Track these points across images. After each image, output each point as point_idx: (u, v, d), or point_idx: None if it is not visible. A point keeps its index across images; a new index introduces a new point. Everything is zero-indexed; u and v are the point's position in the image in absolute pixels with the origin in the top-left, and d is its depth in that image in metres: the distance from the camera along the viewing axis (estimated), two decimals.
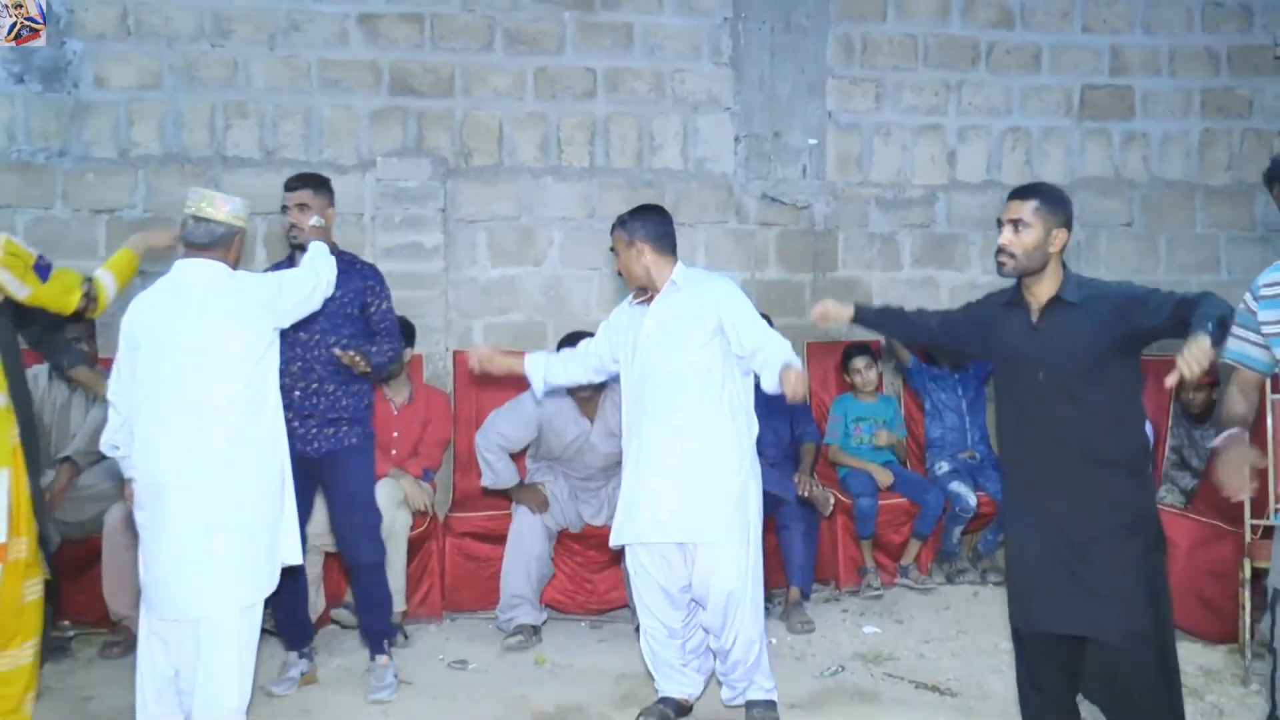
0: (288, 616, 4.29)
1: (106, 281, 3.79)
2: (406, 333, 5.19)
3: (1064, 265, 3.34)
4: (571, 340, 5.23)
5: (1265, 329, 3.07)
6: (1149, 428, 5.54)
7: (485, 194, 6.06)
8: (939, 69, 6.40)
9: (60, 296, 3.65)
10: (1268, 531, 4.42)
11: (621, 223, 4.05)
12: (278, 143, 5.93)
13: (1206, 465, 5.43)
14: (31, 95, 5.69)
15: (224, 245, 3.52)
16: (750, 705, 3.92)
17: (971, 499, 5.54)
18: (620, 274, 4.11)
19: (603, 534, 5.04)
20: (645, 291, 3.99)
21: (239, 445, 3.39)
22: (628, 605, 5.13)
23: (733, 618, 3.82)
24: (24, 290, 3.55)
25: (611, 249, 4.10)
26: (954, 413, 5.90)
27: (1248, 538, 4.42)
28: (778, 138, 6.25)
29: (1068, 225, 3.29)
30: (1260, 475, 4.39)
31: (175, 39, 5.82)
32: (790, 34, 6.21)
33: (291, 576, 3.86)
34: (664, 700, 4.00)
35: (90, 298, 3.71)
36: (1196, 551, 4.78)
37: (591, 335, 5.30)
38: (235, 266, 3.57)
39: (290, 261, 4.25)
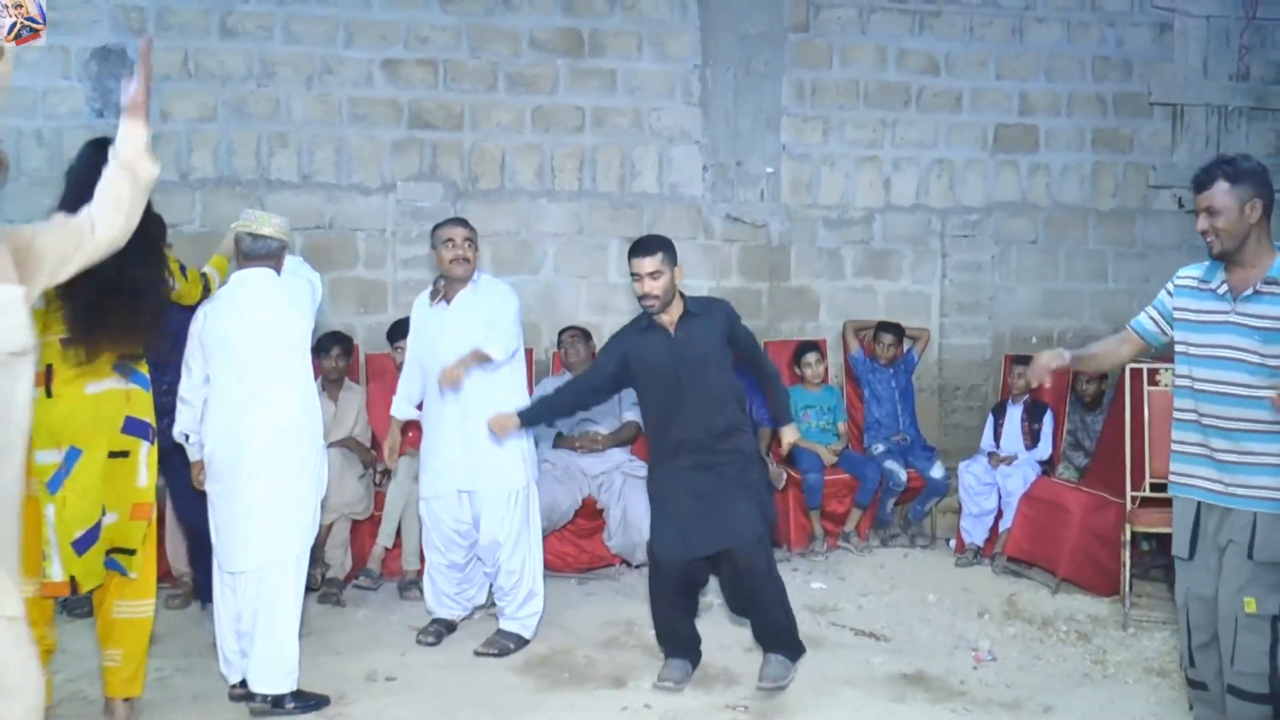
0: (206, 573, 4.10)
1: (214, 275, 3.73)
2: None
3: None
4: (568, 329, 5.49)
5: (1177, 313, 3.05)
6: (1049, 415, 5.67)
7: (489, 213, 6.09)
8: (877, 109, 6.46)
9: (192, 289, 3.59)
10: (1146, 501, 4.52)
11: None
12: (313, 168, 5.95)
13: (1096, 445, 5.55)
14: (110, 127, 5.57)
15: (276, 256, 3.58)
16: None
17: (903, 475, 5.62)
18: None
19: (589, 504, 5.15)
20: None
21: (295, 422, 3.46)
22: (612, 565, 5.22)
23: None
24: (175, 286, 3.49)
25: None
26: (889, 401, 5.95)
27: (1129, 507, 4.51)
28: (739, 166, 6.30)
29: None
30: (1137, 453, 4.53)
31: (228, 79, 5.84)
32: (750, 78, 6.27)
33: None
34: (438, 620, 4.33)
35: (206, 289, 3.66)
36: (1087, 519, 4.88)
37: (581, 330, 5.50)
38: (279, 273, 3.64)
39: None
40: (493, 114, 6.11)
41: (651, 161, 6.28)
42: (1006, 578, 5.20)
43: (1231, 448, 2.84)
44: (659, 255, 3.70)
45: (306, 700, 3.53)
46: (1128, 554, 4.49)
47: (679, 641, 3.88)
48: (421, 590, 4.82)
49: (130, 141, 2.28)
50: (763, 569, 3.71)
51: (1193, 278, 3.03)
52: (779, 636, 3.80)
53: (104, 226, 2.21)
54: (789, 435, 3.92)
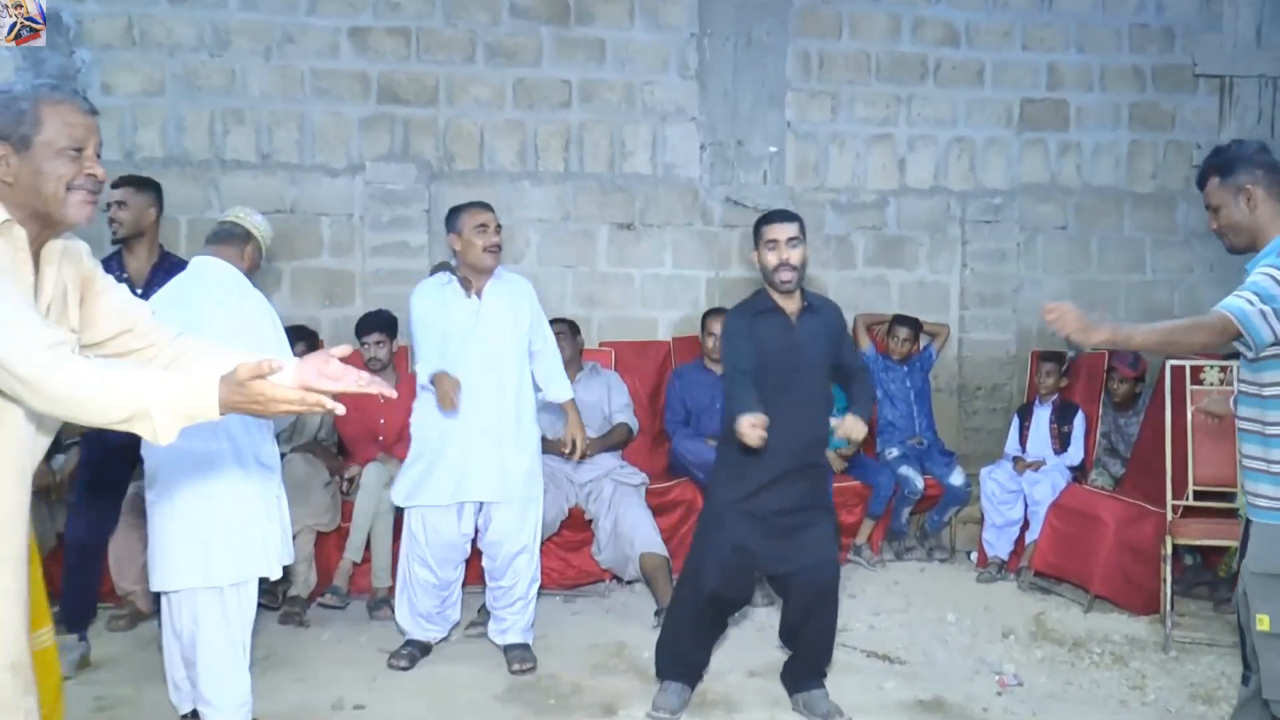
0: (76, 596, 4.16)
1: None
2: (389, 324, 5.21)
3: None
4: (553, 323, 5.41)
5: None
6: (1080, 417, 5.63)
7: (467, 196, 5.90)
8: (890, 83, 6.42)
9: None
10: (1188, 511, 4.49)
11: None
12: (273, 147, 5.89)
13: (1133, 449, 5.51)
14: None
15: (238, 244, 3.59)
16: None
17: (919, 482, 5.59)
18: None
19: (577, 515, 5.09)
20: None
21: (240, 434, 3.37)
22: (601, 581, 5.16)
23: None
24: None
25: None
26: (903, 402, 5.93)
27: (1169, 517, 4.49)
28: (740, 146, 6.26)
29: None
30: (1178, 459, 4.49)
31: (177, 49, 5.77)
32: (752, 49, 6.22)
33: (93, 556, 4.10)
34: (412, 643, 4.24)
35: None
36: (1122, 530, 4.85)
37: (568, 323, 5.43)
38: (249, 275, 3.60)
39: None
40: (470, 88, 6.05)
41: (644, 140, 6.23)
42: (1033, 595, 5.18)
43: (1242, 450, 2.86)
44: (799, 223, 3.74)
45: None
46: (1169, 569, 4.46)
47: (687, 667, 3.82)
48: (393, 609, 4.77)
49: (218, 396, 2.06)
50: (836, 593, 3.75)
51: None
52: (820, 666, 3.82)
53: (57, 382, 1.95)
54: (854, 428, 3.64)
